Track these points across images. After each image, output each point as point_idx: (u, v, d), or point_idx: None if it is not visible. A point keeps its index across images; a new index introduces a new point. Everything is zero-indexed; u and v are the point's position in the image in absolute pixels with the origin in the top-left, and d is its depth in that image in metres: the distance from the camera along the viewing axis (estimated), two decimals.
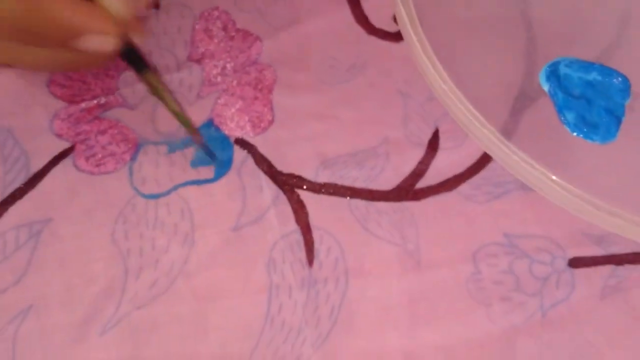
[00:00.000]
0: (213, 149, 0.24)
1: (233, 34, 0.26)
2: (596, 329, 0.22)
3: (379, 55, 0.26)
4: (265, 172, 0.24)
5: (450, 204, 0.24)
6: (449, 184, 0.24)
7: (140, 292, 0.22)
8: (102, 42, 0.19)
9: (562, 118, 0.20)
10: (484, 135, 0.20)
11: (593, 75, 0.20)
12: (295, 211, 0.24)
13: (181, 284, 0.22)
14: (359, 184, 0.24)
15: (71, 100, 0.25)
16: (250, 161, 0.24)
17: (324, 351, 0.22)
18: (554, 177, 0.19)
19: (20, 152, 0.23)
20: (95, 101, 0.25)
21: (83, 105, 0.24)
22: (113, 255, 0.22)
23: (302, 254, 0.23)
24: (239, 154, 0.24)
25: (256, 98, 0.25)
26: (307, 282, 0.22)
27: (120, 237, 0.22)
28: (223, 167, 0.24)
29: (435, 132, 0.25)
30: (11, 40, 0.19)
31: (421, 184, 0.24)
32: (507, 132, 0.20)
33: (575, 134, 0.20)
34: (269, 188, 0.24)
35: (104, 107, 0.25)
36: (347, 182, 0.24)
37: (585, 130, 0.20)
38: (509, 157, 0.19)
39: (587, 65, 0.20)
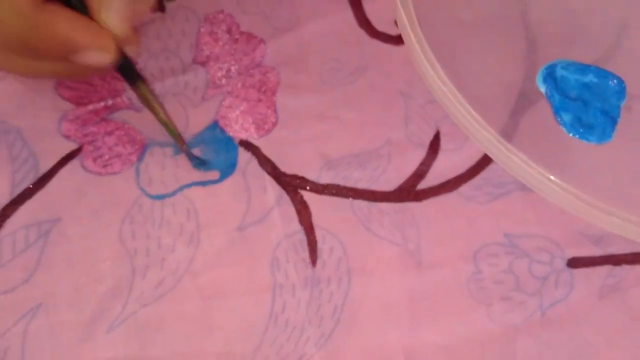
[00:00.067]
0: (218, 151, 0.25)
1: (237, 36, 0.27)
2: (594, 328, 0.23)
3: (380, 57, 0.27)
4: (269, 173, 0.24)
5: (451, 205, 0.24)
6: (450, 185, 0.25)
7: (146, 291, 0.22)
8: (99, 56, 0.20)
9: (559, 119, 0.20)
10: (484, 137, 0.20)
11: (589, 78, 0.20)
12: (298, 211, 0.24)
13: (187, 283, 0.22)
14: (362, 185, 0.24)
15: (79, 103, 0.25)
16: (254, 162, 0.25)
17: (326, 350, 0.22)
18: (552, 178, 0.19)
19: (29, 153, 0.24)
20: (102, 103, 0.25)
21: (90, 107, 0.25)
22: (120, 255, 0.23)
23: (305, 254, 0.23)
24: (243, 155, 0.25)
25: (260, 100, 0.26)
26: (310, 281, 0.23)
27: (127, 237, 0.23)
28: (227, 168, 0.25)
29: (437, 134, 0.25)
30: (13, 53, 0.19)
31: (422, 185, 0.25)
32: (507, 133, 0.21)
33: (571, 134, 0.20)
34: (273, 189, 0.24)
35: (111, 109, 0.25)
36: (350, 183, 0.24)
37: (581, 131, 0.20)
38: (509, 158, 0.20)
39: (584, 68, 0.21)
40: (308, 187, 0.24)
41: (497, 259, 0.23)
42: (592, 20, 0.23)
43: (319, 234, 0.24)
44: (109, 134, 0.25)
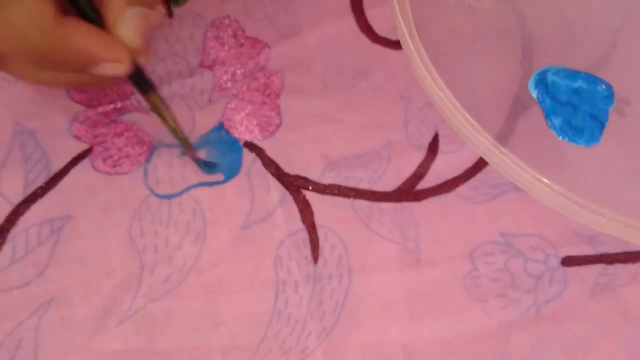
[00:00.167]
0: (223, 152, 0.25)
1: (243, 41, 0.27)
2: (587, 324, 0.23)
3: (381, 62, 0.27)
4: (273, 174, 0.25)
5: (449, 205, 0.25)
6: (448, 186, 0.25)
7: (154, 286, 0.23)
8: (115, 68, 0.20)
9: (550, 123, 0.21)
10: (478, 141, 0.21)
11: (579, 83, 0.21)
12: (301, 211, 0.24)
13: (193, 279, 0.23)
14: (363, 185, 0.25)
15: (89, 105, 0.26)
16: (258, 163, 0.25)
17: (328, 344, 0.23)
18: (545, 181, 0.20)
19: (41, 154, 0.25)
20: (111, 105, 0.26)
21: (100, 109, 0.26)
22: (129, 251, 0.23)
23: (307, 252, 0.24)
24: (247, 156, 0.25)
25: (264, 103, 0.26)
26: (312, 278, 0.23)
27: (136, 234, 0.24)
28: (232, 169, 0.25)
29: (435, 136, 0.26)
30: (33, 65, 0.20)
31: (421, 185, 0.25)
32: (503, 138, 0.21)
33: (561, 137, 0.21)
34: (276, 189, 0.25)
35: (120, 111, 0.26)
36: (351, 183, 0.25)
37: (570, 134, 0.21)
38: (503, 162, 0.20)
39: (574, 74, 0.21)
40: (310, 187, 0.25)
41: (493, 257, 0.24)
42: (585, 29, 0.24)
43: (320, 232, 0.24)
44: (118, 135, 0.25)
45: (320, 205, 0.25)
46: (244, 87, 0.27)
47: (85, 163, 0.25)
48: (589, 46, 0.23)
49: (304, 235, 0.24)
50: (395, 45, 0.28)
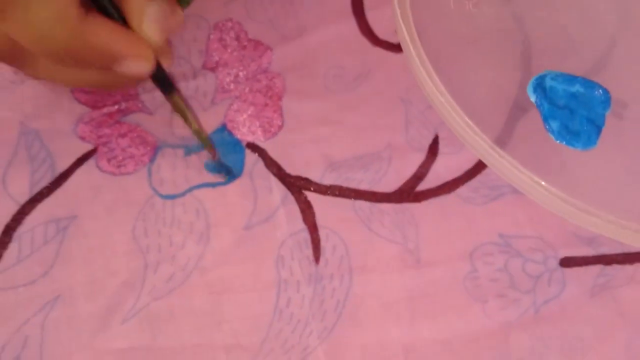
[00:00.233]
0: (226, 153, 0.26)
1: (245, 43, 0.28)
2: (586, 324, 0.23)
3: (382, 64, 0.27)
4: (275, 175, 0.25)
5: (448, 206, 0.25)
6: (448, 187, 0.25)
7: (158, 285, 0.23)
8: (139, 66, 0.20)
9: (547, 126, 0.21)
10: (478, 144, 0.21)
11: (576, 88, 0.22)
12: (302, 211, 0.25)
13: (196, 278, 0.23)
14: (363, 186, 0.25)
15: (94, 106, 0.26)
16: (260, 164, 0.25)
17: (329, 342, 0.23)
18: (543, 183, 0.20)
19: (46, 154, 0.25)
20: (116, 106, 0.26)
21: (105, 110, 0.26)
22: (133, 251, 0.23)
23: (309, 252, 0.24)
24: (250, 157, 0.26)
25: (266, 104, 0.27)
26: (313, 278, 0.24)
27: (140, 234, 0.24)
28: (235, 170, 0.26)
29: (435, 138, 0.26)
30: (56, 63, 0.20)
31: (421, 186, 0.25)
32: (502, 141, 0.21)
33: (558, 141, 0.21)
34: (278, 189, 0.25)
35: (125, 112, 0.26)
36: (352, 185, 0.25)
37: (568, 137, 0.21)
38: (501, 163, 0.21)
39: (571, 79, 0.22)
40: (312, 188, 0.25)
41: (493, 258, 0.24)
42: (583, 34, 0.24)
43: (322, 232, 0.24)
44: (123, 136, 0.26)
45: (322, 205, 0.25)
46: (247, 89, 0.27)
47: (90, 163, 0.25)
48: (586, 51, 0.24)
49: (305, 235, 0.24)
50: (396, 48, 0.28)
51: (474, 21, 0.23)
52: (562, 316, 0.23)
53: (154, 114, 0.26)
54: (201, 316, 0.23)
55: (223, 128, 0.26)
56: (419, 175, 0.26)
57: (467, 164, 0.26)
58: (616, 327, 0.23)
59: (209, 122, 0.26)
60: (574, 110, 0.21)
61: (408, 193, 0.25)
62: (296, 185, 0.25)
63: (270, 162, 0.26)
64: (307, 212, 0.25)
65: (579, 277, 0.24)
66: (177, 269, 0.24)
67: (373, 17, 0.28)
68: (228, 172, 0.25)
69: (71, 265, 0.23)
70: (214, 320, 0.23)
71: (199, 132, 0.23)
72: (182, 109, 0.23)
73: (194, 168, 0.25)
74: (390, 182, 0.25)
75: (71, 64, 0.20)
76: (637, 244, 0.20)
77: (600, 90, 0.21)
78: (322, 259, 0.24)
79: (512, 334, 0.23)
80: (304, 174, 0.25)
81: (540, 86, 0.21)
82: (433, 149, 0.26)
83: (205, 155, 0.25)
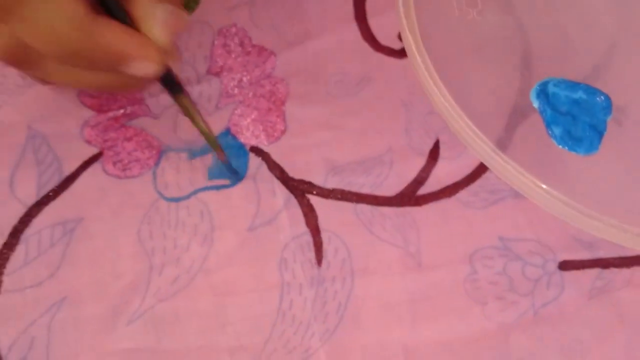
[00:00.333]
0: (230, 156, 0.26)
1: (249, 49, 0.28)
2: (584, 327, 0.24)
3: (384, 70, 0.28)
4: (278, 178, 0.26)
5: (449, 210, 0.25)
6: (448, 191, 0.26)
7: (163, 287, 0.23)
8: (147, 67, 0.20)
9: (550, 132, 0.22)
10: (481, 148, 0.21)
11: (579, 94, 0.22)
12: (305, 214, 0.25)
13: (200, 280, 0.24)
14: (365, 190, 0.26)
15: (100, 110, 0.26)
16: (264, 168, 0.26)
17: (331, 344, 0.23)
18: (544, 186, 0.21)
19: (53, 157, 0.25)
20: (121, 110, 0.26)
21: (111, 114, 0.26)
22: (139, 253, 0.24)
23: (311, 254, 0.24)
24: (253, 161, 0.26)
25: (270, 109, 0.27)
26: (316, 280, 0.24)
27: (145, 236, 0.24)
28: (239, 173, 0.26)
29: (436, 143, 0.27)
30: (64, 64, 0.20)
31: (422, 190, 0.26)
32: (502, 144, 0.22)
33: (561, 146, 0.22)
34: (281, 193, 0.25)
35: (130, 116, 0.26)
36: (354, 188, 0.26)
37: (570, 143, 0.21)
38: (504, 168, 0.21)
39: (574, 85, 0.22)
40: (314, 192, 0.26)
41: (492, 261, 0.25)
42: (583, 41, 0.24)
43: (324, 235, 0.25)
44: (128, 139, 0.26)
45: (324, 209, 0.25)
46: (250, 94, 0.27)
47: (96, 166, 0.25)
48: (586, 58, 0.24)
49: (308, 238, 0.25)
50: (397, 53, 0.28)
51: (477, 29, 0.23)
52: (561, 318, 0.24)
53: (159, 118, 0.26)
54: (205, 318, 0.23)
55: (227, 132, 0.27)
56: (419, 180, 0.26)
57: (468, 169, 0.26)
58: (614, 329, 0.24)
59: (213, 127, 0.26)
60: (576, 117, 0.21)
61: (409, 197, 0.26)
62: (299, 189, 0.26)
63: (274, 166, 0.26)
64: (310, 215, 0.25)
65: (577, 280, 0.24)
66: (182, 271, 0.24)
67: (375, 24, 0.29)
68: (234, 173, 0.25)
69: (77, 267, 0.23)
70: (218, 322, 0.23)
71: (207, 134, 0.24)
72: (190, 111, 0.23)
73: (198, 171, 0.26)
74: (392, 186, 0.26)
75: (80, 65, 0.20)
76: (638, 247, 0.20)
77: (602, 97, 0.21)
78: (324, 262, 0.24)
79: (512, 335, 0.23)
80: (307, 178, 0.26)
81: (543, 92, 0.21)
82: (434, 154, 0.26)
83: (209, 159, 0.26)
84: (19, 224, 0.24)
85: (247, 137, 0.26)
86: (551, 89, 0.22)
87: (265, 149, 0.26)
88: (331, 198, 0.25)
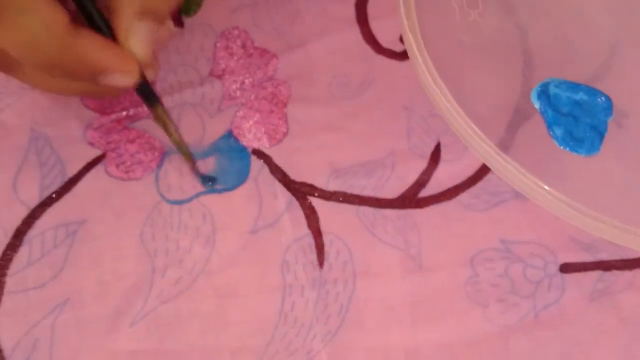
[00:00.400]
0: (232, 159, 0.26)
1: (251, 51, 0.28)
2: (585, 329, 0.24)
3: (385, 72, 0.28)
4: (280, 181, 0.26)
5: (450, 212, 0.25)
6: (450, 193, 0.26)
7: (165, 289, 0.24)
8: (124, 79, 0.21)
9: (552, 133, 0.22)
10: (483, 149, 0.21)
11: (580, 95, 0.22)
12: (307, 217, 0.25)
13: (203, 282, 0.24)
14: (367, 192, 0.26)
15: (103, 112, 0.26)
16: (266, 170, 0.26)
17: (332, 346, 0.23)
18: (546, 187, 0.21)
19: (56, 159, 0.25)
20: (124, 113, 0.26)
21: (113, 116, 0.26)
22: (141, 254, 0.24)
23: (313, 256, 0.24)
24: (255, 163, 0.26)
25: (272, 111, 0.27)
26: (317, 282, 0.24)
27: (148, 238, 0.24)
28: (241, 176, 0.26)
29: (437, 145, 0.27)
30: (45, 72, 0.21)
31: (424, 193, 0.26)
32: (504, 145, 0.22)
33: (562, 147, 0.22)
34: (283, 195, 0.25)
35: (133, 118, 0.27)
36: (356, 191, 0.26)
37: (571, 144, 0.21)
38: (505, 169, 0.21)
39: (575, 86, 0.22)
40: (316, 194, 0.26)
41: (494, 263, 0.25)
42: (584, 43, 0.24)
43: (326, 238, 0.25)
44: (131, 141, 0.26)
45: (326, 211, 0.25)
46: (253, 96, 0.27)
47: (99, 169, 0.25)
48: (587, 60, 0.24)
49: (310, 240, 0.25)
50: (399, 56, 0.28)
51: (478, 31, 0.23)
52: (562, 321, 0.24)
53: None
54: (207, 319, 0.23)
55: (229, 135, 0.27)
56: (421, 182, 0.26)
57: (469, 171, 0.26)
58: (615, 331, 0.24)
59: (216, 129, 0.26)
60: (577, 118, 0.21)
61: (410, 199, 0.26)
62: (301, 191, 0.26)
63: (275, 169, 0.26)
64: (312, 218, 0.25)
65: (579, 283, 0.24)
66: (184, 273, 0.24)
67: (376, 26, 0.29)
68: (211, 181, 0.25)
69: (80, 269, 0.24)
70: (220, 323, 0.23)
71: (179, 143, 0.24)
72: (164, 120, 0.23)
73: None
74: (393, 189, 0.26)
75: (58, 74, 0.20)
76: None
77: (603, 98, 0.21)
78: (326, 264, 0.24)
79: (512, 337, 0.24)
80: (309, 180, 0.26)
81: (544, 93, 0.21)
82: (435, 156, 0.26)
83: (211, 162, 0.26)
84: (22, 226, 0.24)
85: (249, 140, 0.27)
86: (552, 90, 0.22)
87: (267, 151, 0.26)
88: (333, 200, 0.25)
